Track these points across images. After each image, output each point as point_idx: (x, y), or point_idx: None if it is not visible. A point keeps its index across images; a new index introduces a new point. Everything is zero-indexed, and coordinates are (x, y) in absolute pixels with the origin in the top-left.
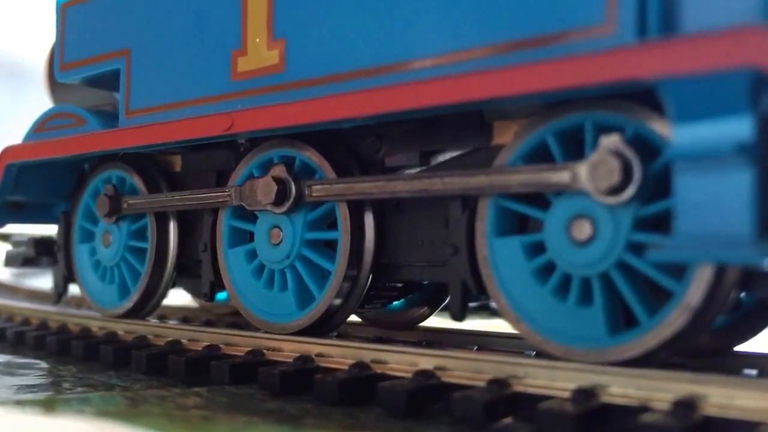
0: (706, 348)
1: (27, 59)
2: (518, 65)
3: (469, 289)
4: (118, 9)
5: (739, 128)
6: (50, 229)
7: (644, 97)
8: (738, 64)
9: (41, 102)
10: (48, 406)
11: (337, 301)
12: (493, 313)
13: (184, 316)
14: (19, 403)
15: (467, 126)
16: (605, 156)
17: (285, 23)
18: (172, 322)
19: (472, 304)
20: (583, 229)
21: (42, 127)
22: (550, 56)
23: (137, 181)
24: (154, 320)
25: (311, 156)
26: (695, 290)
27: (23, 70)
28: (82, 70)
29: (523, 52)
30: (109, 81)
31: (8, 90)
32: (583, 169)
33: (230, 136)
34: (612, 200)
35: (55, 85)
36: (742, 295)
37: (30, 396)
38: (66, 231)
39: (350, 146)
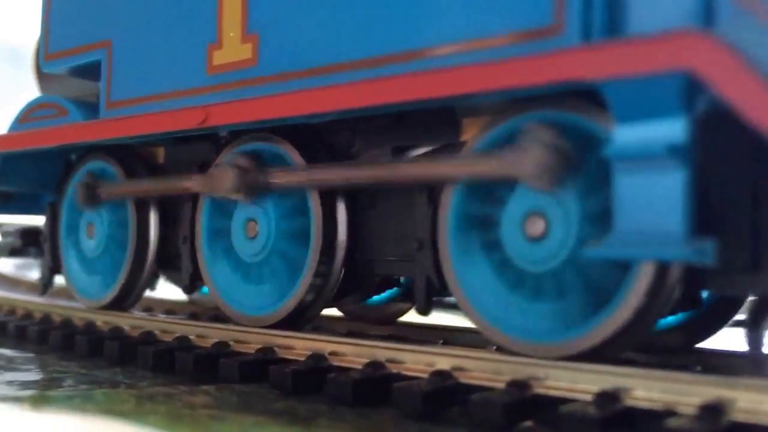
0: (666, 345)
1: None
2: (474, 65)
3: (433, 284)
4: (100, 0)
5: (673, 130)
6: (39, 220)
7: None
8: (672, 67)
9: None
10: (50, 403)
11: (311, 294)
12: None
13: (192, 311)
14: (20, 400)
15: (438, 122)
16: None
17: (258, 18)
18: (179, 318)
19: None
20: (536, 226)
21: (26, 117)
22: (502, 57)
23: (119, 173)
24: (162, 315)
25: (286, 150)
26: (639, 285)
27: (23, 54)
28: (66, 60)
29: (479, 52)
30: (93, 72)
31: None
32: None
33: (205, 129)
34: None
35: (42, 74)
36: (704, 292)
37: (31, 392)
38: (52, 222)
39: (325, 141)
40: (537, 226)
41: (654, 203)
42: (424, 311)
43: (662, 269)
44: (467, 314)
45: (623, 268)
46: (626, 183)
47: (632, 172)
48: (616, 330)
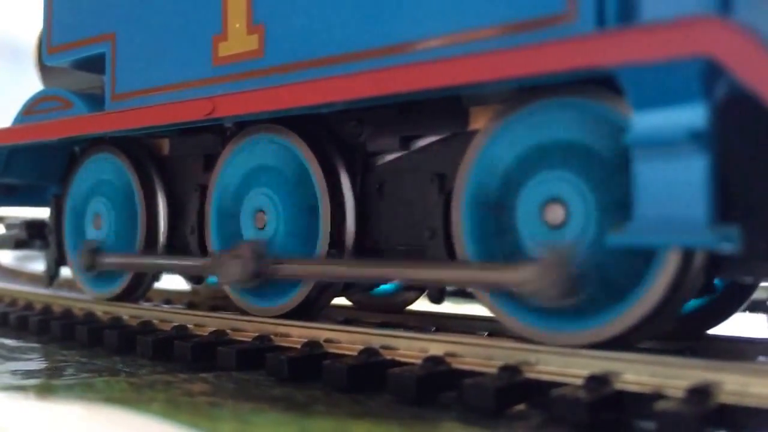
0: (678, 332)
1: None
2: (484, 53)
3: None
4: None
5: (693, 116)
6: (44, 212)
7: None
8: (692, 53)
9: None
10: (51, 391)
11: (320, 284)
12: None
13: (190, 301)
14: (22, 389)
15: (446, 111)
16: None
17: (264, 9)
18: (178, 307)
19: None
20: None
21: (31, 110)
22: (515, 44)
23: (125, 165)
24: (160, 305)
25: (293, 141)
26: (664, 273)
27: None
28: (69, 53)
29: (488, 40)
30: (96, 64)
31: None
32: None
33: (212, 120)
34: None
35: (44, 67)
36: (715, 279)
37: (33, 381)
38: (57, 214)
39: (333, 131)
40: (556, 214)
41: (676, 190)
42: (437, 300)
43: (687, 256)
44: (483, 302)
45: (644, 259)
46: (647, 169)
47: (653, 159)
48: (640, 318)
